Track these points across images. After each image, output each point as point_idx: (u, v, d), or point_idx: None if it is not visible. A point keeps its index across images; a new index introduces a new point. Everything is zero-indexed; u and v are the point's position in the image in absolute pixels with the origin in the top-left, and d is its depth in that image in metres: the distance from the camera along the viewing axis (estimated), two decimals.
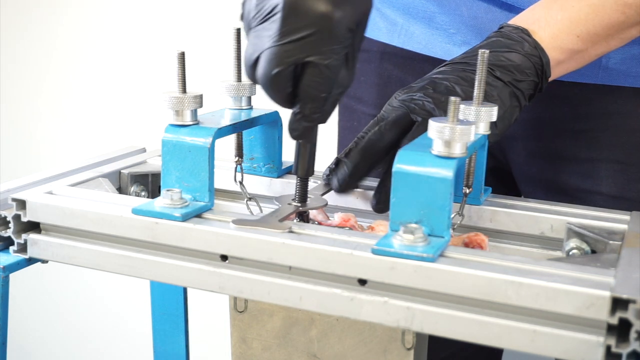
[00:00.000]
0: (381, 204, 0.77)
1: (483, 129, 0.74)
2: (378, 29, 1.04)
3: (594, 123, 0.94)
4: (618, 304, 0.55)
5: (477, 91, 0.72)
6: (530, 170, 1.00)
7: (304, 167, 0.78)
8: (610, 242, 0.72)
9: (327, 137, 0.79)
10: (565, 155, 0.97)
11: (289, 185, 0.87)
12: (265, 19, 0.69)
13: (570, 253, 0.74)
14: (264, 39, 0.68)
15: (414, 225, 0.63)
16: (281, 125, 0.86)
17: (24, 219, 0.73)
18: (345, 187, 0.79)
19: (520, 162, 1.00)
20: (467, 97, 0.77)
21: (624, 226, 0.74)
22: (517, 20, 0.83)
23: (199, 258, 0.68)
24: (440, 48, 0.98)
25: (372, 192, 0.84)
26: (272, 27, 0.67)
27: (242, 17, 0.75)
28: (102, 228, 0.71)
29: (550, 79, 0.82)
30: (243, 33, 0.77)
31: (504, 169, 1.04)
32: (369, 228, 0.77)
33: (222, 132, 0.74)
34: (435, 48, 0.98)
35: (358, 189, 0.84)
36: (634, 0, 0.79)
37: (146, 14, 1.88)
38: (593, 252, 0.73)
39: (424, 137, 0.68)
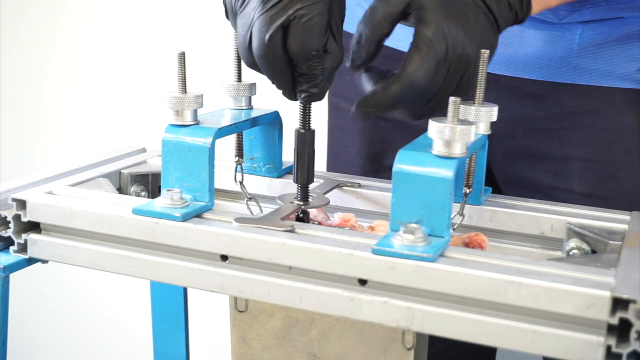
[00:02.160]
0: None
1: (483, 129, 0.74)
2: None
3: (567, 122, 0.95)
4: (618, 304, 0.55)
5: (478, 91, 0.72)
6: (506, 169, 1.01)
7: (303, 176, 0.78)
8: (610, 242, 0.72)
9: (319, 137, 0.80)
10: (538, 154, 0.98)
11: (289, 185, 0.87)
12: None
13: (570, 253, 0.74)
14: (250, 15, 0.72)
15: (414, 225, 0.63)
16: (281, 125, 0.86)
17: (24, 219, 0.73)
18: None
19: (497, 161, 1.01)
20: None
21: (624, 226, 0.74)
22: None
23: (199, 258, 0.68)
24: None
25: (372, 192, 0.84)
26: (254, 1, 0.71)
27: (227, 15, 0.78)
28: (102, 228, 0.71)
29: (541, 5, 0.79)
30: None
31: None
32: (369, 228, 0.77)
33: (222, 132, 0.74)
34: None
35: (359, 189, 0.84)
36: None
37: (146, 14, 1.88)
38: (593, 252, 0.73)
39: (424, 137, 0.68)
